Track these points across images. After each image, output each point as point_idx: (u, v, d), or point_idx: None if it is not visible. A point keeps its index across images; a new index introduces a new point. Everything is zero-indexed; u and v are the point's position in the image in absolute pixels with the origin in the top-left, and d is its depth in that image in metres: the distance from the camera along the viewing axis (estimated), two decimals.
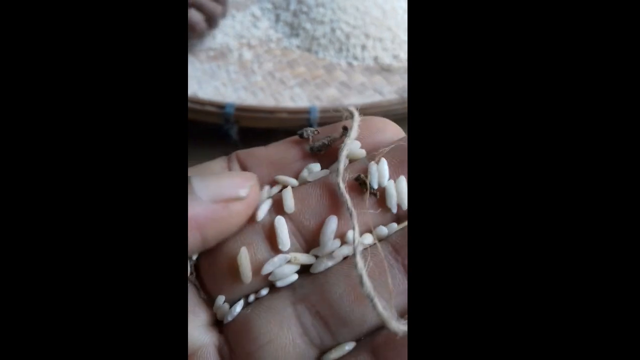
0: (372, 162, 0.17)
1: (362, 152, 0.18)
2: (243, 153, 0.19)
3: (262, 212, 0.17)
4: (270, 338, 0.16)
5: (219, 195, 0.16)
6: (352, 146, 0.18)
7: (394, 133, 0.18)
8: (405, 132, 0.18)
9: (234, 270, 0.17)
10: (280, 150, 0.19)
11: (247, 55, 0.56)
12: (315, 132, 0.18)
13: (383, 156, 0.17)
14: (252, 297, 0.17)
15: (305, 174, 0.18)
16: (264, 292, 0.17)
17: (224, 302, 0.17)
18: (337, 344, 0.16)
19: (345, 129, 0.18)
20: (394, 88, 0.51)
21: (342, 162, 0.17)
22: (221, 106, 0.45)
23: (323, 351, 0.16)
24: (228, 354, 0.16)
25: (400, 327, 0.14)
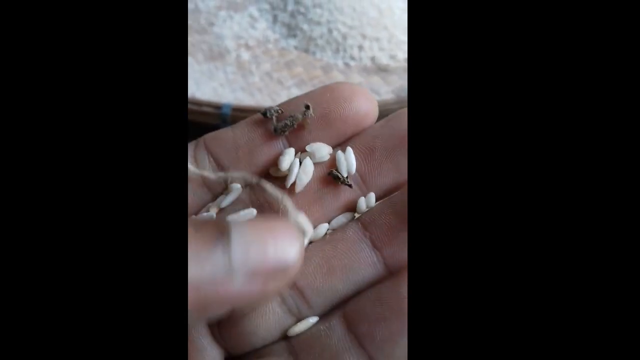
0: (339, 151, 0.18)
1: (328, 151, 0.18)
2: (209, 138, 0.19)
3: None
4: (253, 307, 0.17)
5: (261, 266, 0.13)
6: (318, 147, 0.18)
7: (363, 102, 0.18)
8: (390, 116, 0.19)
9: None
10: (246, 132, 0.18)
11: (245, 56, 0.56)
12: (279, 111, 0.18)
13: (350, 145, 0.18)
14: None
15: (284, 165, 0.18)
16: None
17: None
18: (313, 312, 0.17)
19: (308, 107, 0.18)
20: (391, 88, 0.51)
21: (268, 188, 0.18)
22: (218, 107, 0.45)
23: (299, 319, 0.17)
24: (216, 324, 0.17)
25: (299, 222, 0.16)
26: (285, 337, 0.17)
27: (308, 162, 0.18)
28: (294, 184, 0.18)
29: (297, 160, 0.18)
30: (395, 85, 0.51)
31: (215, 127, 0.46)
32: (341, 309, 0.17)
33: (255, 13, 0.62)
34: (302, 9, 0.58)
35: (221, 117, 0.45)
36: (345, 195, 0.18)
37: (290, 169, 0.18)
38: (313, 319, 0.17)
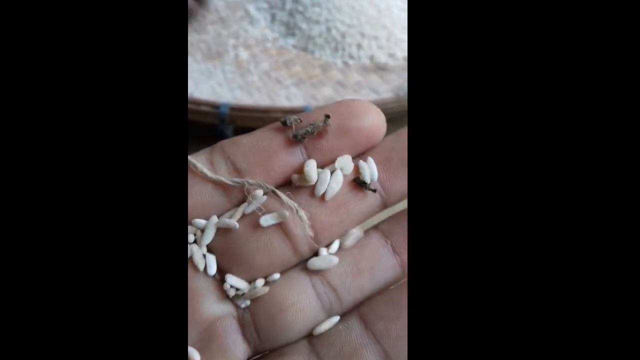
0: (361, 160, 0.19)
1: (350, 165, 0.19)
2: (227, 143, 0.19)
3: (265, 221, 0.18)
4: (292, 302, 0.18)
5: None
6: (345, 160, 0.19)
7: (375, 117, 0.19)
8: (400, 131, 0.20)
9: (249, 256, 0.19)
10: (265, 138, 0.19)
11: (243, 55, 0.56)
12: (298, 121, 0.19)
13: (370, 155, 0.19)
14: (261, 281, 0.19)
15: (312, 173, 0.19)
16: (276, 276, 0.19)
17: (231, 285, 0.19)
18: (341, 309, 0.19)
19: (328, 117, 0.18)
20: (390, 87, 0.51)
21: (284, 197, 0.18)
22: (216, 106, 0.45)
23: (330, 315, 0.19)
24: (250, 320, 0.18)
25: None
26: (307, 335, 0.19)
27: (339, 174, 0.19)
28: (324, 193, 0.19)
29: (328, 171, 0.19)
30: (393, 83, 0.51)
31: (213, 127, 0.46)
32: (356, 309, 0.19)
33: (254, 12, 0.62)
34: (300, 8, 0.58)
35: (219, 117, 0.45)
36: (367, 199, 0.19)
37: (321, 179, 0.19)
38: (335, 318, 0.19)
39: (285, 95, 0.51)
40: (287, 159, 0.19)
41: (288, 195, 0.18)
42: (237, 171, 0.19)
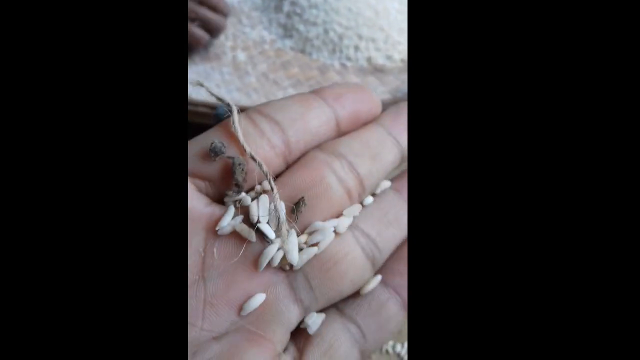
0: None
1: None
2: (260, 105, 0.21)
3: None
4: (345, 253, 0.19)
5: None
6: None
7: (376, 99, 0.21)
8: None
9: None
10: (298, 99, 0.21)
11: (241, 56, 0.56)
12: (223, 149, 0.19)
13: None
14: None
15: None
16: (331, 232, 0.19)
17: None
18: (382, 259, 0.20)
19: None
20: (387, 88, 0.51)
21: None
22: (213, 107, 0.45)
23: (374, 264, 0.19)
24: (302, 280, 0.19)
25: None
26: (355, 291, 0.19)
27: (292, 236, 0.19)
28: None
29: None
30: (391, 85, 0.52)
31: (210, 127, 0.46)
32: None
33: (251, 14, 0.62)
34: (298, 10, 0.58)
35: (216, 118, 0.45)
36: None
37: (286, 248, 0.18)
38: (378, 277, 0.19)
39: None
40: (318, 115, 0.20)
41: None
42: (277, 124, 0.20)
